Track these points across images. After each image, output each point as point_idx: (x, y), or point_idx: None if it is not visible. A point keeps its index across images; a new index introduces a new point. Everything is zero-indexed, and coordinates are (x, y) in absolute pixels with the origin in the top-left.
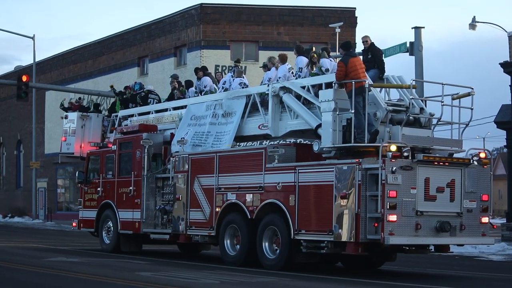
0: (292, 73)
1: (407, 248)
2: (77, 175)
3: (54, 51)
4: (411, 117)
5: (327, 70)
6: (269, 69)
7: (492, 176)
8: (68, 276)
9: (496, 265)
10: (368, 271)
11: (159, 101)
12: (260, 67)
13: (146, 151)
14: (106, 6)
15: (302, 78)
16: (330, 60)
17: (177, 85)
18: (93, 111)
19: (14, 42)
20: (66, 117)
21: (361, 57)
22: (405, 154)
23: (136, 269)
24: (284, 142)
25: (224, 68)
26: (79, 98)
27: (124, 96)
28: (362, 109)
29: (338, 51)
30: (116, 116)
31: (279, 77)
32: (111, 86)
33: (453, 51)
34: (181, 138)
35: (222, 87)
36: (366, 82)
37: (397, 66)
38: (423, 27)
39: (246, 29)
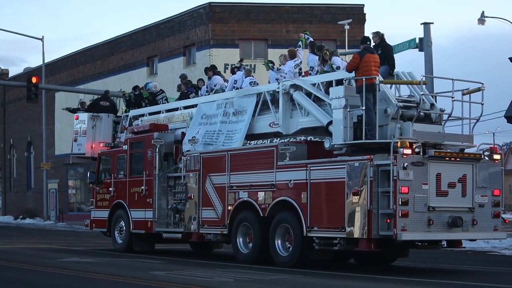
0: (300, 69)
1: (420, 243)
2: (88, 175)
3: (62, 52)
4: (421, 113)
5: (338, 68)
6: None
7: (503, 170)
8: (82, 276)
9: (509, 260)
10: (381, 267)
11: (166, 99)
12: (263, 64)
13: (157, 150)
14: (113, 6)
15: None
16: (341, 59)
17: (184, 88)
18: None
19: (21, 44)
20: (77, 118)
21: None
22: (416, 150)
23: (150, 268)
24: (295, 140)
25: (233, 65)
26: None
27: (134, 96)
28: (372, 105)
29: (361, 45)
30: (127, 116)
31: (285, 73)
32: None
33: (460, 46)
34: (192, 137)
35: (233, 86)
36: (377, 79)
37: (406, 62)
38: (432, 23)
39: (255, 27)
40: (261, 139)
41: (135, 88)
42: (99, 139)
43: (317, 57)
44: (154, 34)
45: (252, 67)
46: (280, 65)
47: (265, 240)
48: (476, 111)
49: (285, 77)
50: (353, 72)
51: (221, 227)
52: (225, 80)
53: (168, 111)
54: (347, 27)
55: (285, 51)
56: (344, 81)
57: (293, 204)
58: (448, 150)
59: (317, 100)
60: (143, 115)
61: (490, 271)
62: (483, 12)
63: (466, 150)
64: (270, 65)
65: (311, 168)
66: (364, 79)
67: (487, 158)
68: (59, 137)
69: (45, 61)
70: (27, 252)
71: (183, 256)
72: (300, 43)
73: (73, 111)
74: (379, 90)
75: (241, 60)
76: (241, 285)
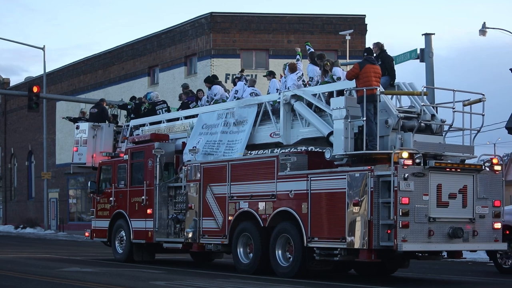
0: (303, 80)
1: (420, 254)
2: (89, 185)
3: (62, 62)
4: (422, 124)
5: (338, 78)
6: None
7: (504, 181)
8: (83, 286)
9: (509, 271)
10: (381, 278)
11: (168, 109)
12: (264, 76)
13: (158, 160)
14: (114, 16)
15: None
16: (342, 70)
17: (185, 97)
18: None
19: (21, 53)
20: (77, 127)
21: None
22: (417, 160)
23: (150, 278)
24: (296, 150)
25: (234, 76)
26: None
27: (130, 107)
28: (373, 116)
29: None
30: (128, 125)
31: (288, 86)
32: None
33: (461, 57)
34: (193, 147)
35: (234, 96)
36: (377, 90)
37: (407, 73)
38: (434, 34)
39: (256, 37)
40: (262, 149)
41: (133, 98)
42: (100, 148)
43: (317, 68)
44: (155, 43)
45: (254, 77)
46: (282, 76)
47: (265, 250)
48: (477, 122)
49: (289, 89)
50: (354, 81)
51: (222, 237)
52: (226, 90)
53: (169, 121)
54: (348, 37)
55: (286, 61)
56: (345, 92)
57: (294, 214)
58: (449, 161)
59: (318, 111)
60: (144, 125)
61: (490, 282)
62: (484, 23)
63: (467, 161)
64: (307, 47)
65: (311, 178)
66: (364, 89)
67: (487, 169)
68: (60, 146)
69: (46, 71)
70: (28, 262)
71: (183, 266)
72: (298, 56)
73: (74, 120)
74: (379, 101)
75: (242, 71)
76: None
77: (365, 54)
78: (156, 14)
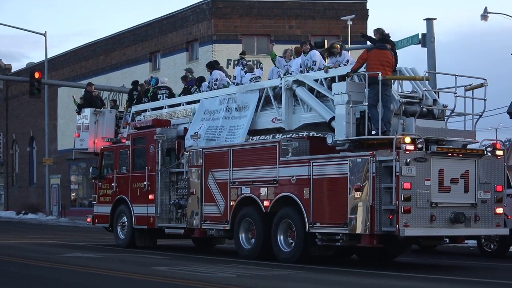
0: (307, 64)
1: (422, 239)
2: (91, 170)
3: (64, 48)
4: (424, 109)
5: (347, 61)
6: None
7: (505, 166)
8: (85, 271)
9: (510, 255)
10: (383, 263)
11: (170, 94)
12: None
13: (159, 146)
14: (116, 1)
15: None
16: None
17: (184, 82)
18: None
19: (22, 39)
20: (78, 113)
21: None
22: (419, 145)
23: (152, 264)
24: (298, 135)
25: (236, 61)
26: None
27: (135, 92)
28: (375, 101)
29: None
30: (129, 111)
31: (292, 70)
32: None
33: (462, 42)
34: (195, 133)
35: (233, 82)
36: (379, 74)
37: (408, 58)
38: (435, 19)
39: (257, 23)
40: (263, 135)
41: (135, 83)
42: (101, 134)
43: (319, 53)
44: (157, 29)
45: (255, 63)
46: (287, 60)
47: (267, 235)
48: (478, 107)
49: (291, 74)
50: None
51: (224, 223)
52: (227, 75)
53: (170, 106)
54: (349, 23)
55: (287, 47)
56: (346, 77)
57: (296, 199)
58: (451, 146)
59: (320, 96)
60: (145, 111)
61: (492, 267)
62: (486, 8)
63: (469, 146)
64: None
65: (313, 163)
66: (366, 74)
67: (489, 154)
68: (61, 132)
69: (48, 57)
70: (29, 247)
71: (185, 251)
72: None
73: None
74: (389, 85)
75: (242, 53)
76: (243, 280)
77: (377, 41)
78: (158, 0)
